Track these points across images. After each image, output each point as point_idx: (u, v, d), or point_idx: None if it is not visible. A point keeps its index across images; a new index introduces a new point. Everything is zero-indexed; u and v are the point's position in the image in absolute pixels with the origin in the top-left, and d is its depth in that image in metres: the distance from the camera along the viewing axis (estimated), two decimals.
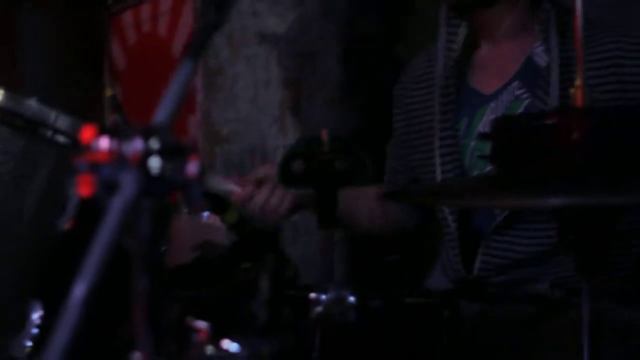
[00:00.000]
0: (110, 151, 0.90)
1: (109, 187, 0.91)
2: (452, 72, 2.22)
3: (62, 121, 1.45)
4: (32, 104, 1.45)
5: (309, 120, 3.43)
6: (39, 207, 1.45)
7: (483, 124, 2.18)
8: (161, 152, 0.90)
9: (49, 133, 1.45)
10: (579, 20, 1.46)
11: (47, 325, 1.43)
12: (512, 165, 1.39)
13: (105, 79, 3.83)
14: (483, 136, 1.46)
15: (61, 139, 1.45)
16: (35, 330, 1.43)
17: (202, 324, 1.09)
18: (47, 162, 1.45)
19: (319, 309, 1.34)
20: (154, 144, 0.90)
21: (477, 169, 2.17)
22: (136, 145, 0.89)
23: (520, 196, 1.26)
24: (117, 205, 0.90)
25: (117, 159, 0.90)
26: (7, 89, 1.44)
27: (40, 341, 1.43)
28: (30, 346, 1.43)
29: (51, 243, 1.46)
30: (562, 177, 1.26)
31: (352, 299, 1.36)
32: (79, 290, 0.85)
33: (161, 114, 0.94)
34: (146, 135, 0.90)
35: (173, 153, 0.90)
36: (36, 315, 1.43)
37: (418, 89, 2.34)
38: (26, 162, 1.43)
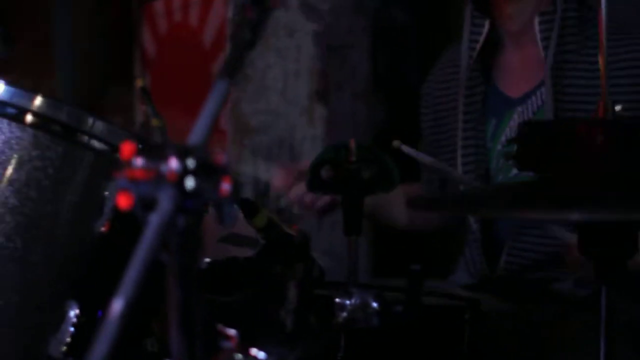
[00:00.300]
0: (148, 169, 0.95)
1: (147, 203, 0.96)
2: (477, 73, 2.23)
3: (98, 127, 1.49)
4: (69, 110, 1.49)
5: (337, 112, 3.46)
6: (76, 210, 1.50)
7: (510, 128, 2.19)
8: (196, 172, 0.94)
9: (86, 138, 1.50)
10: (603, 22, 1.47)
11: (82, 324, 1.48)
12: (538, 169, 1.42)
13: (136, 68, 3.87)
14: (511, 141, 1.49)
15: (97, 144, 1.50)
16: (71, 329, 1.48)
17: (231, 331, 1.13)
18: (83, 166, 1.50)
19: (343, 314, 1.39)
20: (190, 163, 0.94)
21: (502, 173, 2.18)
22: (173, 164, 0.94)
23: (541, 210, 1.29)
24: (154, 221, 0.94)
25: (155, 176, 0.95)
26: (45, 95, 1.48)
27: (76, 340, 1.48)
28: (66, 344, 1.48)
29: (87, 245, 1.51)
30: (584, 192, 1.28)
31: (375, 304, 1.40)
32: (118, 304, 0.89)
33: (197, 133, 0.99)
34: (183, 154, 0.94)
35: (208, 172, 0.95)
36: (72, 315, 1.48)
37: (445, 89, 2.35)
38: (64, 167, 1.48)
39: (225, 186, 0.95)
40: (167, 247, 0.97)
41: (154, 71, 3.91)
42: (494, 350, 1.84)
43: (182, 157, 0.94)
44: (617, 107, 1.42)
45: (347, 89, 3.47)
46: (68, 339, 1.48)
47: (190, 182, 0.94)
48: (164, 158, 0.94)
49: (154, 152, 0.96)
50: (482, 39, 2.20)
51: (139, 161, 0.95)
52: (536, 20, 2.12)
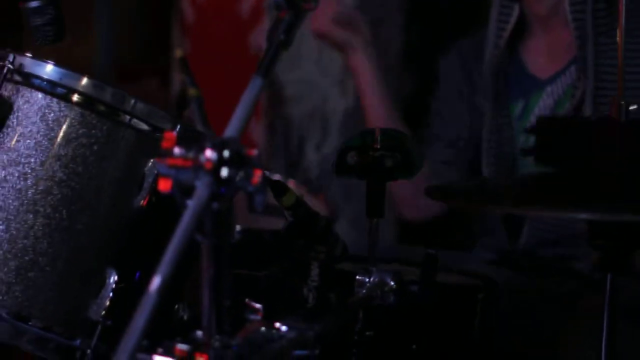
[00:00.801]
0: (187, 158, 1.05)
1: (184, 188, 1.06)
2: (504, 56, 2.29)
3: (139, 107, 1.60)
4: (113, 91, 1.59)
5: None
6: (117, 185, 1.60)
7: (540, 108, 2.25)
8: (231, 162, 1.04)
9: (127, 118, 1.60)
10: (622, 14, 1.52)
11: (121, 290, 1.58)
12: (554, 163, 1.48)
13: (175, 36, 3.92)
14: (530, 131, 1.55)
15: (138, 123, 1.60)
16: (110, 295, 1.58)
17: (257, 305, 1.23)
18: (125, 144, 1.60)
19: (362, 291, 1.48)
20: (226, 154, 1.04)
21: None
22: (210, 154, 1.04)
23: (551, 208, 1.35)
24: (191, 205, 1.04)
25: (193, 165, 1.05)
26: (90, 75, 1.58)
27: (115, 305, 1.58)
28: (105, 309, 1.58)
29: (127, 218, 1.61)
30: (596, 192, 1.34)
31: (392, 283, 1.49)
32: (157, 281, 0.99)
33: (232, 127, 1.08)
34: (219, 146, 1.04)
35: (241, 163, 1.05)
36: (112, 281, 1.58)
37: (469, 70, 2.40)
38: (108, 144, 1.58)
39: (257, 176, 1.05)
40: (202, 229, 1.07)
41: (192, 40, 3.96)
42: (506, 326, 1.90)
43: (218, 148, 1.04)
44: (632, 107, 1.48)
45: (380, 62, 3.52)
46: (107, 304, 1.58)
47: (225, 171, 1.04)
48: (202, 148, 1.04)
49: (193, 142, 1.05)
50: (512, 21, 2.25)
51: (179, 150, 1.06)
52: (567, 1, 2.17)
